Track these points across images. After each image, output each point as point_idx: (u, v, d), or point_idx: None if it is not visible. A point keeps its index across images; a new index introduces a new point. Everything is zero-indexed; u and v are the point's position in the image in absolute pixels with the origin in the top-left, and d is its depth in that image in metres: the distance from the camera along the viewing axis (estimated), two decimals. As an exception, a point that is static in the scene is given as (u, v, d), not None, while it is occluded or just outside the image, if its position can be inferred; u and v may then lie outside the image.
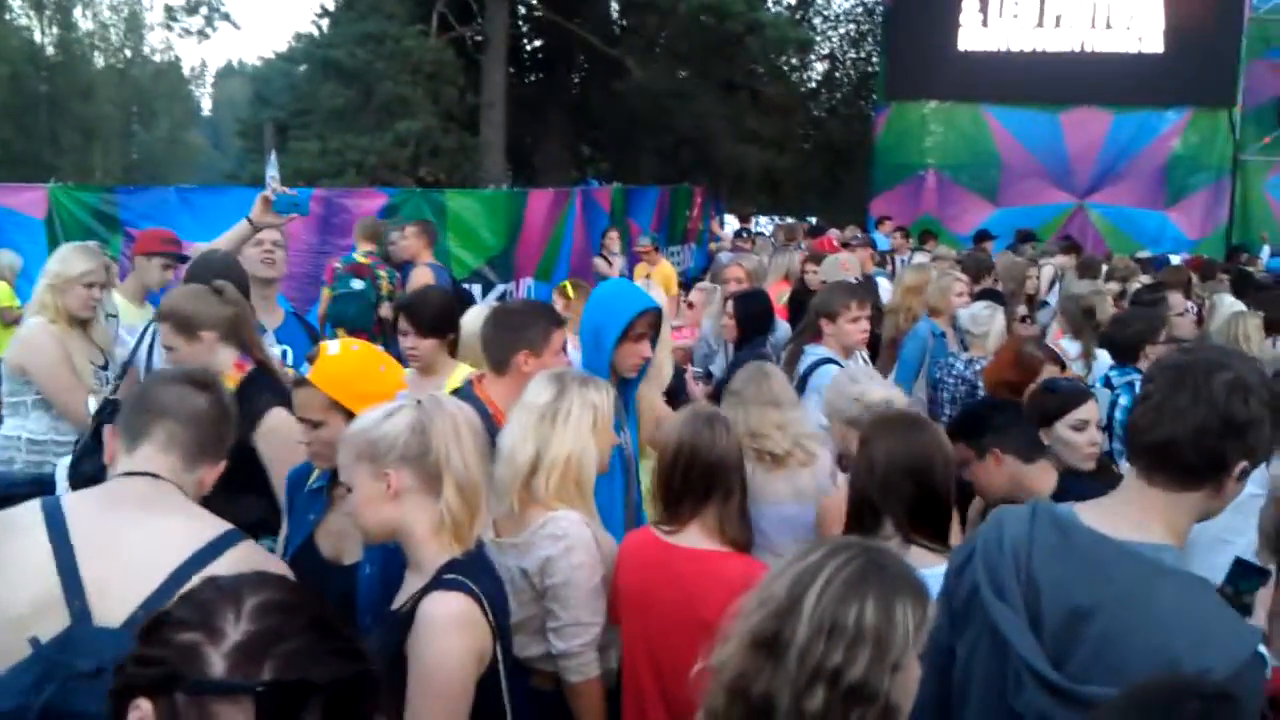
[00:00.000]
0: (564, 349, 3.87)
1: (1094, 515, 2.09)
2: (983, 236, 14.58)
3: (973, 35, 19.39)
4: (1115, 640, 1.92)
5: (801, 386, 5.01)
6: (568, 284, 6.63)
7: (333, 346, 3.15)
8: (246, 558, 2.24)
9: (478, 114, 19.69)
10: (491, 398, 3.69)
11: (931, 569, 2.66)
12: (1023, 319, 7.02)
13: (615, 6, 23.73)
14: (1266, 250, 15.95)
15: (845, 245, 10.47)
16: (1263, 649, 1.91)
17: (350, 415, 2.79)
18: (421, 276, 7.83)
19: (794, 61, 25.00)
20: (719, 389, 4.97)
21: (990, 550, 2.10)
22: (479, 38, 20.03)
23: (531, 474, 3.09)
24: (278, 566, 2.43)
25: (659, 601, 3.06)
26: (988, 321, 6.13)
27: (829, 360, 5.11)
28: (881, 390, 3.92)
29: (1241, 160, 18.67)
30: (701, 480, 3.13)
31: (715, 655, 1.80)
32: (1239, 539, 4.20)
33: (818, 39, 26.05)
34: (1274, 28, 18.43)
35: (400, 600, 2.51)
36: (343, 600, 2.86)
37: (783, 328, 6.70)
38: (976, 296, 7.67)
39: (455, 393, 3.68)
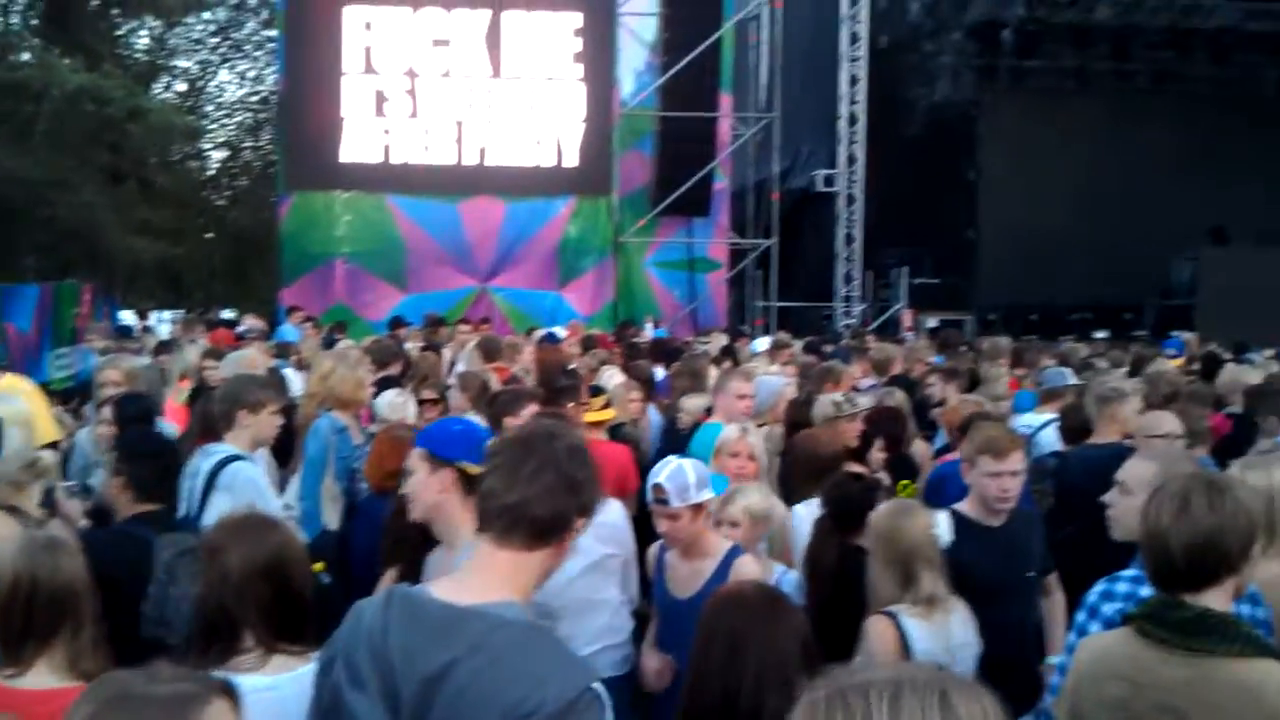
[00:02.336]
0: None
1: (445, 588, 2.23)
2: (397, 323, 14.77)
3: (366, 128, 19.70)
4: (465, 693, 2.04)
5: (209, 486, 4.68)
6: None
7: None
8: None
9: None
10: None
11: (296, 671, 2.62)
12: (422, 401, 7.05)
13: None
14: (649, 325, 17.63)
15: (239, 339, 10.06)
16: (597, 685, 2.08)
17: None
18: None
19: (187, 150, 24.02)
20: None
21: (349, 642, 2.14)
22: None
23: None
24: None
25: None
26: (401, 409, 6.34)
27: (237, 457, 4.80)
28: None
29: (622, 243, 20.57)
30: (47, 613, 2.79)
31: None
32: (607, 596, 4.46)
33: (212, 126, 25.27)
34: (640, 121, 20.59)
35: None
36: None
37: (170, 428, 6.23)
38: (381, 383, 7.71)
39: None
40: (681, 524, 3.90)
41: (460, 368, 9.69)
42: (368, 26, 19.59)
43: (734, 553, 4.01)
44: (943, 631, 3.62)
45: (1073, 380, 7.56)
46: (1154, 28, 24.55)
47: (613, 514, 4.46)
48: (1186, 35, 24.68)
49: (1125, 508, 3.45)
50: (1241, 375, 7.83)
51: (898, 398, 6.55)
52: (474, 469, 3.42)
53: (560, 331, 13.35)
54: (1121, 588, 3.23)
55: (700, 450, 5.61)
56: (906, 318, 20.21)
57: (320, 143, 19.52)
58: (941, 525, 3.82)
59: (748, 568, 3.91)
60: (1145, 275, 22.15)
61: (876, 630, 3.63)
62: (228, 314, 18.75)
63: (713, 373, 7.96)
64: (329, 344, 12.66)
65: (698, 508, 3.93)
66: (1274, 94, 25.69)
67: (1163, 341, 14.34)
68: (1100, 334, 18.91)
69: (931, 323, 19.71)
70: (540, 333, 13.77)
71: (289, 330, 14.98)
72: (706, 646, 2.61)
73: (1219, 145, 23.26)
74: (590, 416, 5.91)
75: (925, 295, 21.61)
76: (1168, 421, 5.14)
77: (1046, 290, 22.45)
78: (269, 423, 5.02)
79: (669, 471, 3.92)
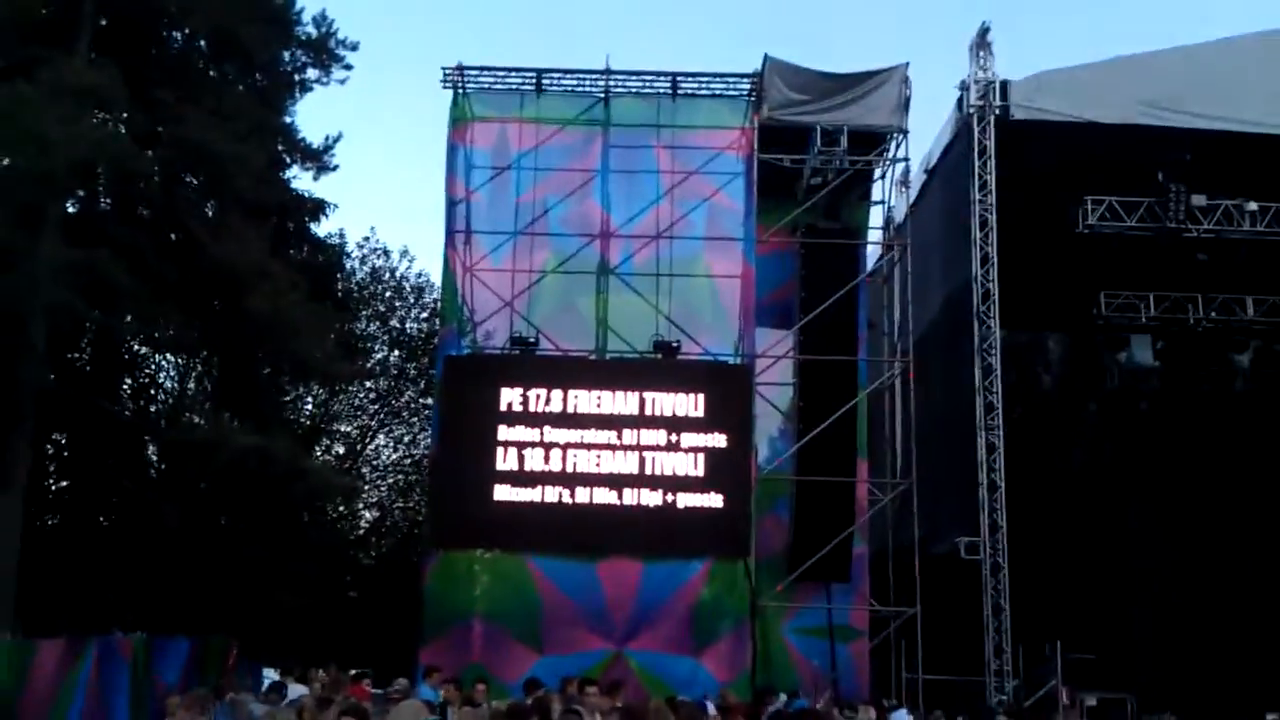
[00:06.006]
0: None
1: None
2: (532, 685, 14.54)
3: (511, 488, 20.20)
4: None
5: None
6: None
7: None
8: None
9: (-16, 557, 17.81)
10: None
11: None
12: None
13: (153, 449, 22.92)
14: (783, 697, 17.00)
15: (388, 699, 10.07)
16: None
17: None
18: None
19: (342, 509, 24.97)
20: None
21: None
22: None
23: None
24: None
25: None
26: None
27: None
28: None
29: (760, 607, 20.21)
30: None
31: None
32: None
33: (366, 487, 26.34)
34: (777, 486, 20.76)
35: None
36: None
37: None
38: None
39: None
40: None
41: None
42: (522, 401, 20.40)
43: None
44: None
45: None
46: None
47: None
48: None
49: None
50: None
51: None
52: None
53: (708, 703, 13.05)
54: None
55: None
56: (1064, 695, 19.10)
57: (466, 505, 20.05)
58: None
59: None
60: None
61: None
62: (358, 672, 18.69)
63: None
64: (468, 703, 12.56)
65: None
66: None
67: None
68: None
69: (1091, 701, 18.60)
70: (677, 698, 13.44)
71: (426, 690, 14.90)
72: None
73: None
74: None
75: (1080, 671, 20.49)
76: None
77: (1209, 671, 21.20)
78: None
79: None
